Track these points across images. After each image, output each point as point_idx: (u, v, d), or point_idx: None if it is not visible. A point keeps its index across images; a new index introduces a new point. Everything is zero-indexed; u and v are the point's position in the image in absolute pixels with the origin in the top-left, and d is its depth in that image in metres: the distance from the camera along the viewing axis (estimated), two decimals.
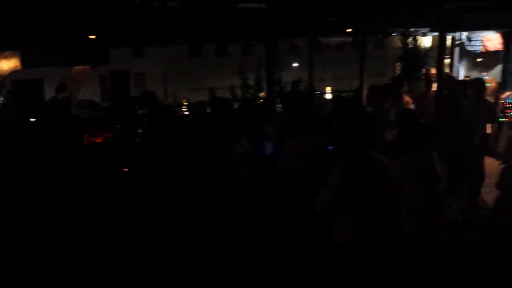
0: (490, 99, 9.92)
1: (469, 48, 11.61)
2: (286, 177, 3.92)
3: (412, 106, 7.68)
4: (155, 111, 6.03)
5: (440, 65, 6.12)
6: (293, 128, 4.30)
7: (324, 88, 14.53)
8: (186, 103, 11.68)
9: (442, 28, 6.14)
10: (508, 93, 9.35)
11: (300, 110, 5.50)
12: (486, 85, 9.97)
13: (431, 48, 12.00)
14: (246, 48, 11.12)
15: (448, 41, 11.67)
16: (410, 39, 10.59)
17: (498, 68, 11.41)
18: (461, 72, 11.87)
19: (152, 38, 8.84)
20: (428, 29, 9.11)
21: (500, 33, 10.90)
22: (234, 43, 10.87)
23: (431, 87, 7.98)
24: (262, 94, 11.74)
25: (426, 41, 11.15)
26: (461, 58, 11.86)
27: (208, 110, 6.61)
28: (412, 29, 10.16)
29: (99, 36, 7.60)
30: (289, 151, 4.07)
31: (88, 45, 8.24)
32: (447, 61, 11.64)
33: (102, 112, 9.41)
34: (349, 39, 10.08)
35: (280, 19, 7.02)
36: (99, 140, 6.22)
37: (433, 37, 10.68)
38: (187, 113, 10.62)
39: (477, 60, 11.75)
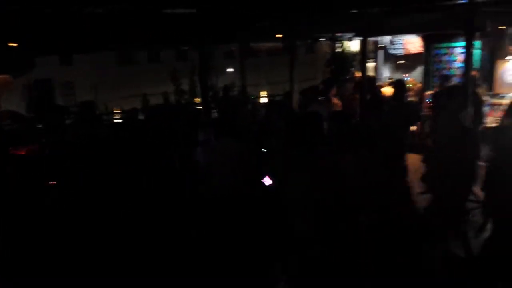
0: (415, 99, 10.60)
1: (392, 51, 12.27)
2: (209, 178, 3.94)
3: (340, 108, 8.02)
4: (89, 120, 5.88)
5: (363, 69, 6.44)
6: (217, 130, 4.36)
7: (260, 93, 14.73)
8: (118, 111, 11.38)
9: (365, 33, 6.48)
10: (429, 92, 9.97)
11: (228, 113, 5.56)
12: (408, 86, 10.69)
13: (357, 52, 12.59)
14: (180, 54, 11.04)
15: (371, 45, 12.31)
16: (338, 44, 11.00)
17: (420, 70, 12.17)
18: (386, 74, 12.51)
19: (81, 45, 8.54)
20: (353, 34, 9.51)
21: (420, 36, 11.63)
22: (167, 49, 10.76)
23: (357, 89, 8.33)
24: (197, 100, 11.70)
25: (353, 46, 11.66)
26: (385, 61, 12.49)
27: (142, 117, 6.50)
28: (339, 34, 10.56)
29: (21, 44, 7.22)
30: (211, 153, 4.11)
31: (8, 52, 7.81)
32: (372, 64, 12.25)
33: (26, 123, 8.90)
34: (281, 45, 10.31)
35: (210, 25, 7.03)
36: (22, 153, 5.89)
37: (361, 41, 11.17)
38: (120, 121, 10.34)
39: (400, 62, 12.42)
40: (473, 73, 9.42)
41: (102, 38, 7.96)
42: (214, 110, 9.02)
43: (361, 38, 7.26)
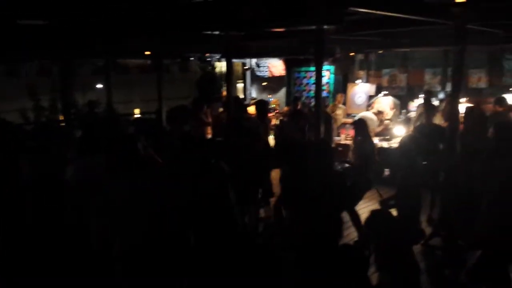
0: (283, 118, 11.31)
1: (258, 73, 12.99)
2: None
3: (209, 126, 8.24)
4: None
5: (228, 89, 6.71)
6: (78, 147, 4.23)
7: (133, 110, 14.31)
8: None
9: (228, 54, 6.77)
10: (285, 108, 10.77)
11: (91, 131, 5.36)
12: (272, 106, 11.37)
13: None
14: (42, 68, 10.29)
15: (240, 67, 12.91)
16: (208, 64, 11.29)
17: (283, 91, 13.07)
18: (254, 95, 13.16)
19: None
20: (220, 55, 9.85)
21: (282, 60, 12.52)
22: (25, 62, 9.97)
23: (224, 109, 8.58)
24: (61, 117, 10.98)
25: (223, 66, 12.10)
26: (252, 82, 13.16)
27: None
28: (207, 55, 10.85)
29: None
30: (75, 170, 3.96)
31: None
32: (241, 85, 12.82)
33: None
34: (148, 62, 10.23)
35: (70, 37, 6.71)
36: None
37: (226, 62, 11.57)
38: None
39: (264, 84, 13.18)
40: (338, 95, 10.47)
41: None
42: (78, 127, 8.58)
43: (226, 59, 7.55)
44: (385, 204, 4.93)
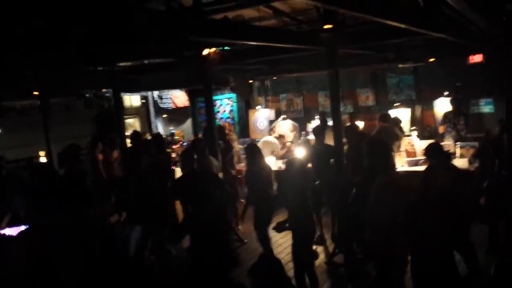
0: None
1: (162, 106, 12.79)
2: None
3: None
4: None
5: (119, 124, 6.50)
6: None
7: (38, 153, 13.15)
8: None
9: (114, 87, 6.59)
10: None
11: None
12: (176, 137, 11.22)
13: (130, 107, 12.71)
14: None
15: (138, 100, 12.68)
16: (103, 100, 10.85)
17: (189, 121, 12.99)
18: (159, 128, 12.91)
19: None
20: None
21: (185, 91, 12.45)
22: None
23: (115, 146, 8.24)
24: None
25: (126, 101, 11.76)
26: (157, 115, 12.92)
27: None
28: (104, 90, 10.46)
29: None
30: None
31: None
32: (130, 120, 12.51)
33: None
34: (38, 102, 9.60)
35: None
36: None
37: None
38: None
39: (165, 116, 13.03)
40: (226, 124, 10.57)
41: None
42: None
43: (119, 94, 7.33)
44: (280, 226, 4.98)
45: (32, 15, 3.79)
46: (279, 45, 4.93)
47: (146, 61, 6.22)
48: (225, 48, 5.70)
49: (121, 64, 6.38)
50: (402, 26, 4.31)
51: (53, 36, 5.13)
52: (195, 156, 5.74)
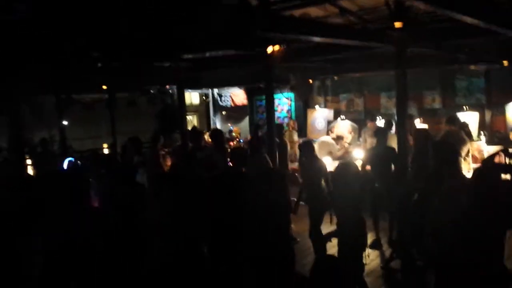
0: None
1: (221, 104, 13.01)
2: None
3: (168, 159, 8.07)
4: None
5: (182, 120, 6.64)
6: None
7: (101, 145, 13.87)
8: None
9: (179, 83, 6.74)
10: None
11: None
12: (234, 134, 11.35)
13: (190, 104, 13.03)
14: None
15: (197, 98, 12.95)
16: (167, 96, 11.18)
17: (247, 120, 13.10)
18: (218, 125, 13.14)
19: None
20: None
21: (244, 89, 12.58)
22: None
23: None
24: None
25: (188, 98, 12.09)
26: (215, 112, 13.16)
27: None
28: (167, 87, 10.77)
29: None
30: None
31: None
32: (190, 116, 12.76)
33: None
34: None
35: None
36: None
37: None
38: None
39: (224, 113, 13.21)
40: (290, 121, 10.56)
41: None
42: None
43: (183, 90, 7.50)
44: (328, 237, 4.82)
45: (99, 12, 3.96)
46: (346, 41, 4.82)
47: (208, 54, 6.22)
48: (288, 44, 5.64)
49: (186, 56, 6.43)
50: (478, 23, 4.07)
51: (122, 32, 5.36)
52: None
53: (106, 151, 10.77)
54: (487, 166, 4.13)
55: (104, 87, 9.23)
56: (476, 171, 3.42)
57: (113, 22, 3.57)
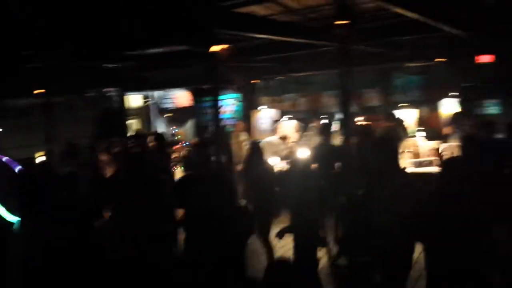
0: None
1: (164, 105, 12.67)
2: None
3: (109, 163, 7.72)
4: None
5: (123, 124, 6.38)
6: None
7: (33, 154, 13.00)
8: None
9: (122, 86, 6.47)
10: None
11: None
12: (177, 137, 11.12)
13: (132, 108, 12.56)
14: None
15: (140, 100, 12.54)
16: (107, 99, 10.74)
17: (191, 122, 12.83)
18: (161, 128, 12.77)
19: None
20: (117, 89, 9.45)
21: (190, 91, 12.31)
22: None
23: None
24: None
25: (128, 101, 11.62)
26: (158, 115, 12.79)
27: None
28: (106, 89, 10.34)
29: None
30: None
31: None
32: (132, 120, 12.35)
33: None
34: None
35: None
36: None
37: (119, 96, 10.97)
38: None
39: (166, 116, 12.90)
40: (238, 122, 10.45)
41: None
42: None
43: (125, 93, 7.23)
44: (282, 233, 4.80)
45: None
46: (291, 39, 4.82)
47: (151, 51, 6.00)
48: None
49: (129, 53, 6.16)
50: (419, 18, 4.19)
51: (57, 31, 5.03)
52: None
53: (41, 159, 10.14)
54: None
55: (38, 91, 8.70)
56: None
57: (46, 16, 3.28)
